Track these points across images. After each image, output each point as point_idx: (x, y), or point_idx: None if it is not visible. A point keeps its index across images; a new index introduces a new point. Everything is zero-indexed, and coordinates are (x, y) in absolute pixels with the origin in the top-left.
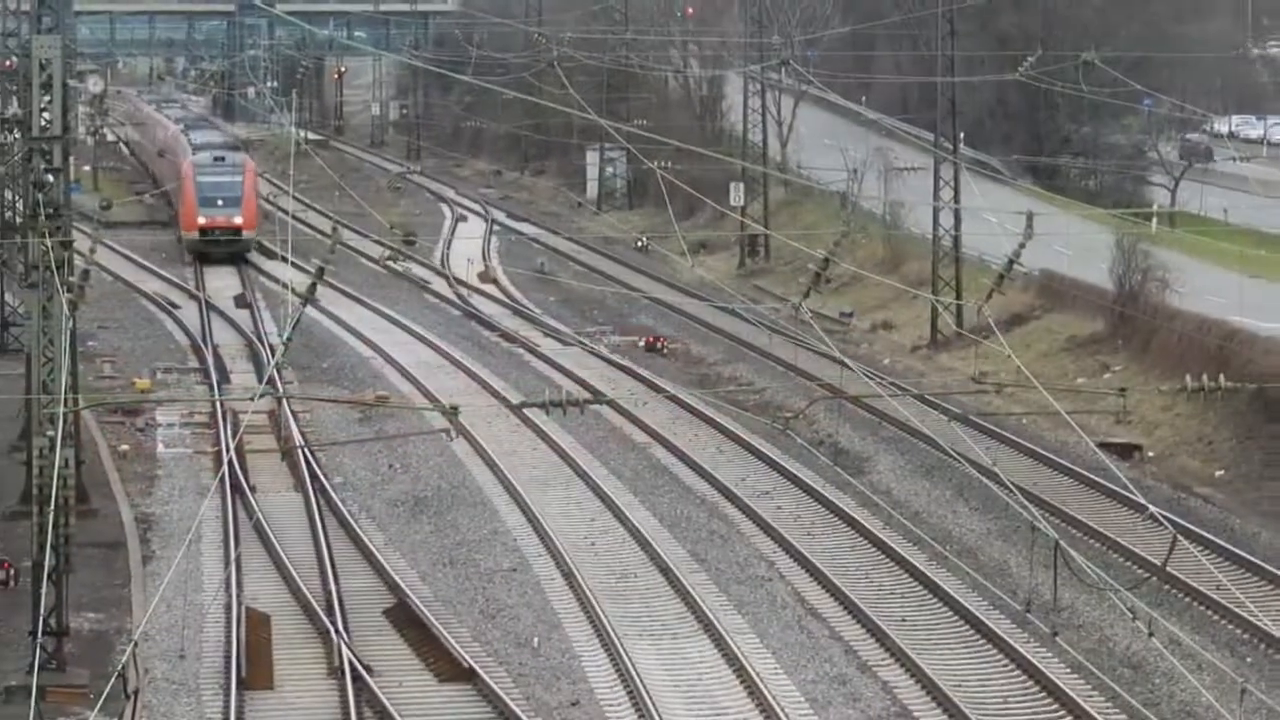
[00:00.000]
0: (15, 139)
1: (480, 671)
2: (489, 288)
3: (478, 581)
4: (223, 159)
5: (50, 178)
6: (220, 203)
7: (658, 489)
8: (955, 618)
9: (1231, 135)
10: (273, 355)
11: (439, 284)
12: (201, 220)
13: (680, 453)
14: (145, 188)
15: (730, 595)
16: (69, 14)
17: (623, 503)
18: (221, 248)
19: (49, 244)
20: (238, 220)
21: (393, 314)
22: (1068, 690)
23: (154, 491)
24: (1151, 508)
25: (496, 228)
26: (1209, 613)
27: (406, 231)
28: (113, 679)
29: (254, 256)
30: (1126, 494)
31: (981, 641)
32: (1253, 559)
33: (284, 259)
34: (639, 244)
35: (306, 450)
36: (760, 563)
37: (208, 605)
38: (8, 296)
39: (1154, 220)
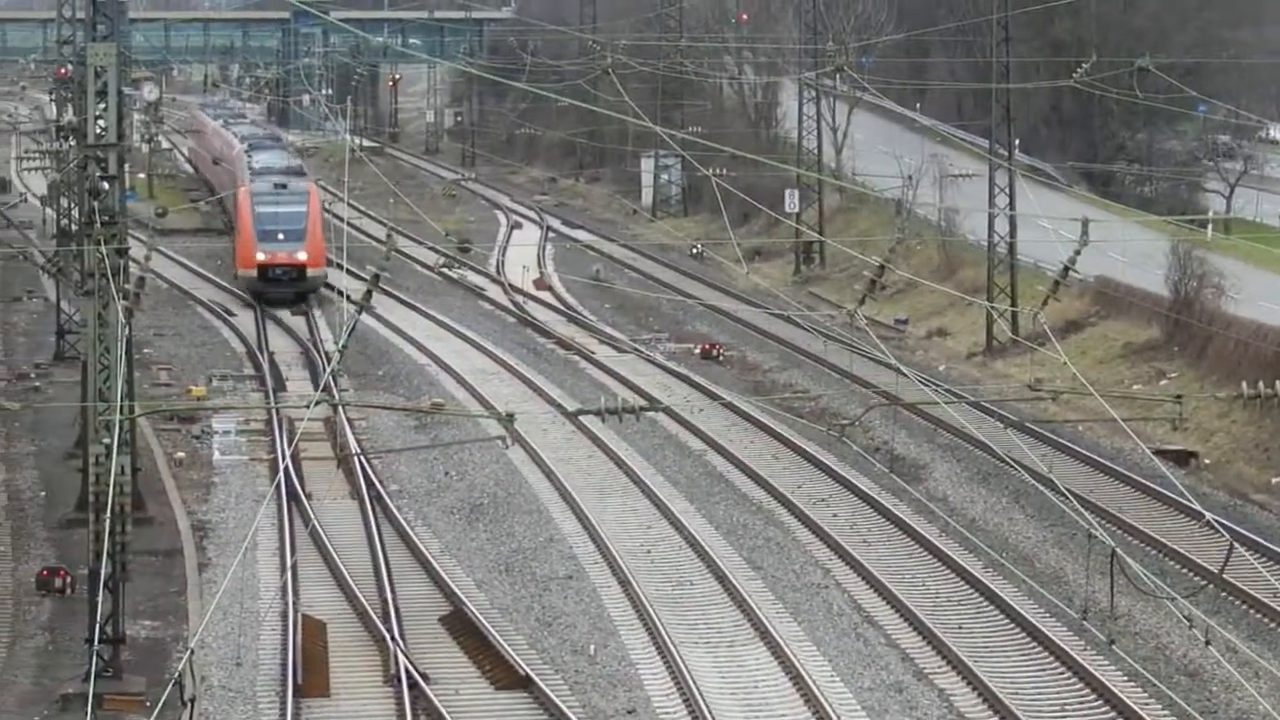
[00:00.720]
0: (71, 146)
1: (536, 679)
2: (544, 295)
3: (534, 589)
4: (284, 186)
5: (105, 185)
6: (281, 236)
7: (713, 496)
8: (1012, 625)
9: None
10: (328, 362)
11: (494, 291)
12: (260, 256)
13: (736, 460)
14: (200, 195)
15: (786, 603)
16: (124, 22)
17: (679, 510)
18: (283, 288)
19: (104, 251)
20: (301, 257)
21: (448, 321)
22: (1124, 698)
23: (210, 499)
24: (1208, 515)
25: (551, 234)
26: (1266, 620)
27: (462, 238)
28: (169, 687)
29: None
30: (1183, 501)
31: (1038, 649)
32: None
33: (339, 266)
34: (694, 251)
35: (362, 458)
36: (816, 570)
37: (264, 613)
38: (64, 304)
39: (1209, 227)
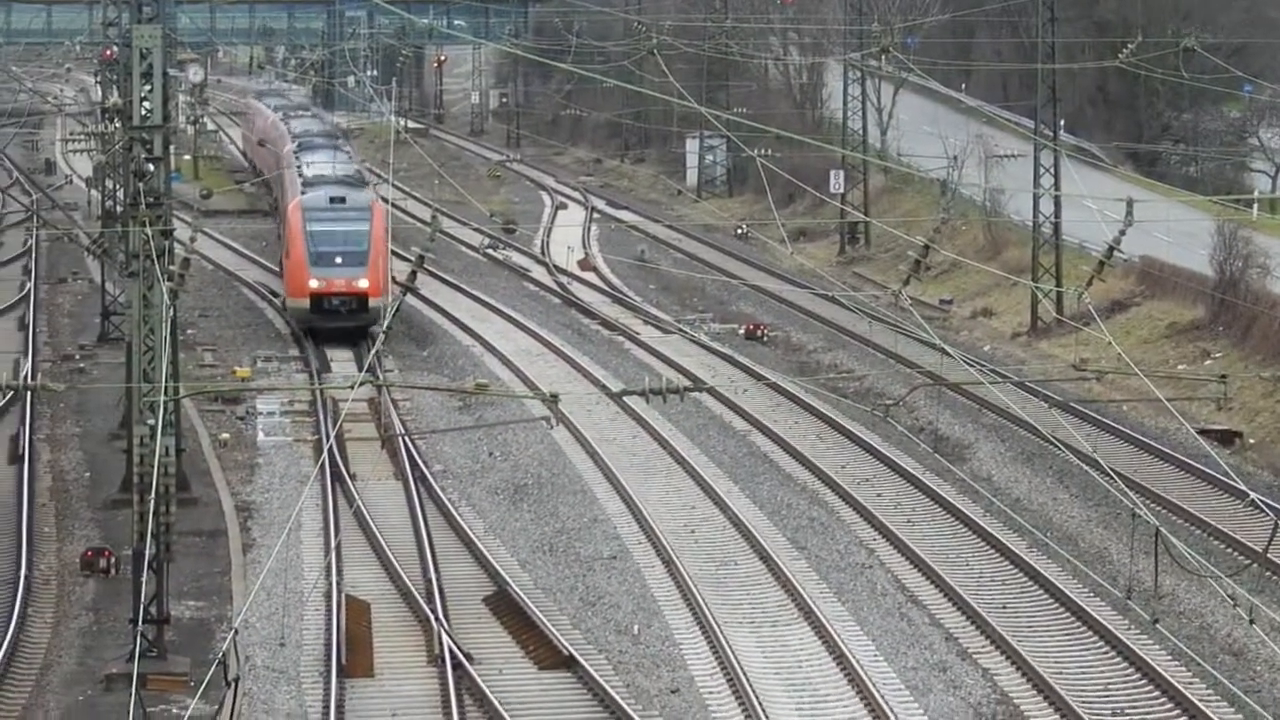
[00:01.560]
0: (116, 128)
1: (580, 659)
2: (589, 275)
3: (578, 569)
4: (343, 200)
5: (151, 167)
6: (339, 260)
7: (758, 476)
8: (1056, 605)
9: None
10: (373, 343)
11: (539, 272)
12: (313, 284)
13: (780, 440)
14: (245, 177)
15: (830, 583)
16: (169, 3)
17: (722, 490)
18: (340, 320)
19: (150, 233)
20: (362, 284)
21: (493, 302)
22: (1169, 677)
23: (254, 480)
24: (1252, 494)
25: (596, 215)
26: None
27: (506, 219)
28: (213, 667)
29: None
30: (1227, 481)
31: (1082, 628)
32: None
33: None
34: (739, 231)
35: (406, 438)
36: (860, 550)
37: (308, 593)
38: (109, 285)
39: (1254, 206)
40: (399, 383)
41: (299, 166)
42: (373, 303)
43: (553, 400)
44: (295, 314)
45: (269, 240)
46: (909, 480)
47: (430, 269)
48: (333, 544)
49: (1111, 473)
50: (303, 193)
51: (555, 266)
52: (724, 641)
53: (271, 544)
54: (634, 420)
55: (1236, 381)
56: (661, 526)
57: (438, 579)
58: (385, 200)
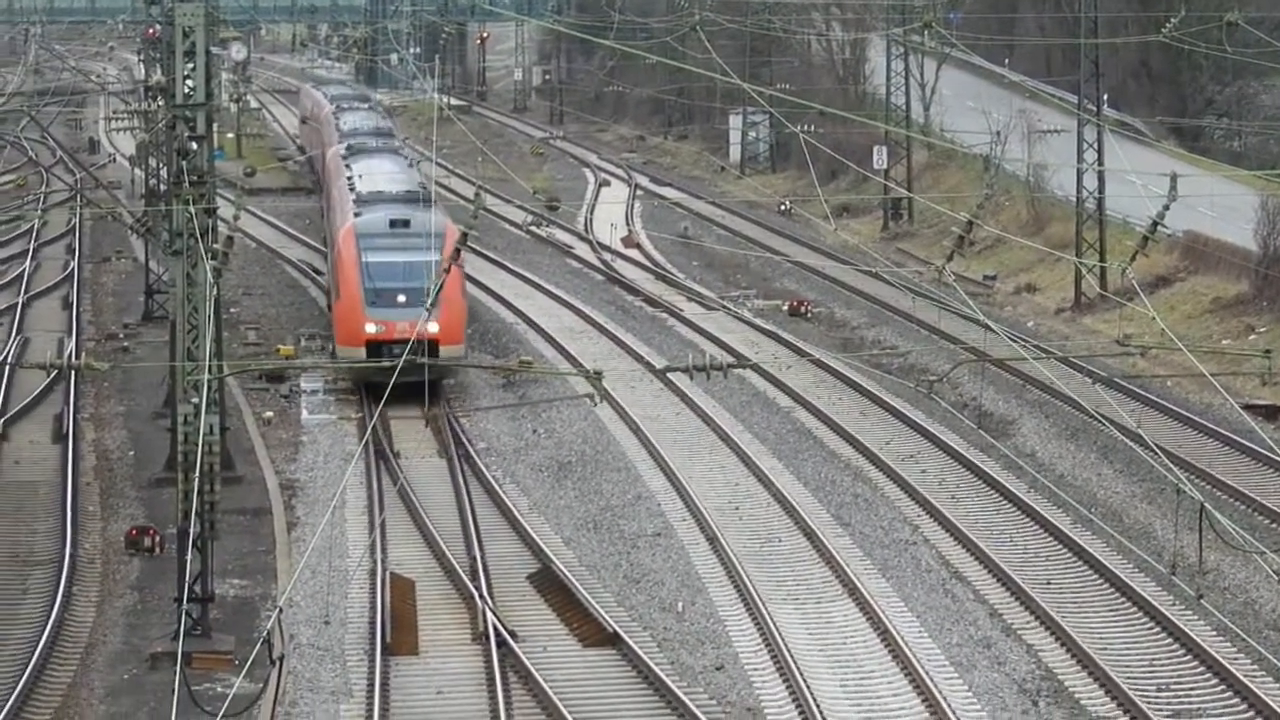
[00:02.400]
0: (159, 107)
1: (624, 636)
2: (632, 252)
3: (622, 546)
4: (406, 224)
5: (194, 145)
6: (402, 299)
7: (801, 453)
8: (1100, 581)
9: None
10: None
11: (582, 249)
12: (370, 329)
13: (824, 416)
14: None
15: (874, 559)
16: None
17: (766, 467)
18: (404, 375)
19: (193, 211)
20: (431, 329)
21: (536, 279)
22: (1213, 653)
23: (298, 458)
24: None
25: (639, 192)
26: None
27: (550, 197)
28: (258, 645)
29: None
30: (1272, 456)
31: (1127, 604)
32: None
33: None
34: (782, 208)
35: (450, 416)
36: (904, 526)
37: (352, 571)
38: (153, 264)
39: None
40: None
41: (350, 178)
42: (445, 351)
43: (596, 377)
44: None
45: (312, 218)
46: (953, 456)
47: (474, 246)
48: (377, 522)
49: (1156, 448)
50: (356, 214)
51: (599, 243)
52: (768, 618)
53: (316, 522)
54: (678, 397)
55: None
56: (705, 503)
57: (482, 556)
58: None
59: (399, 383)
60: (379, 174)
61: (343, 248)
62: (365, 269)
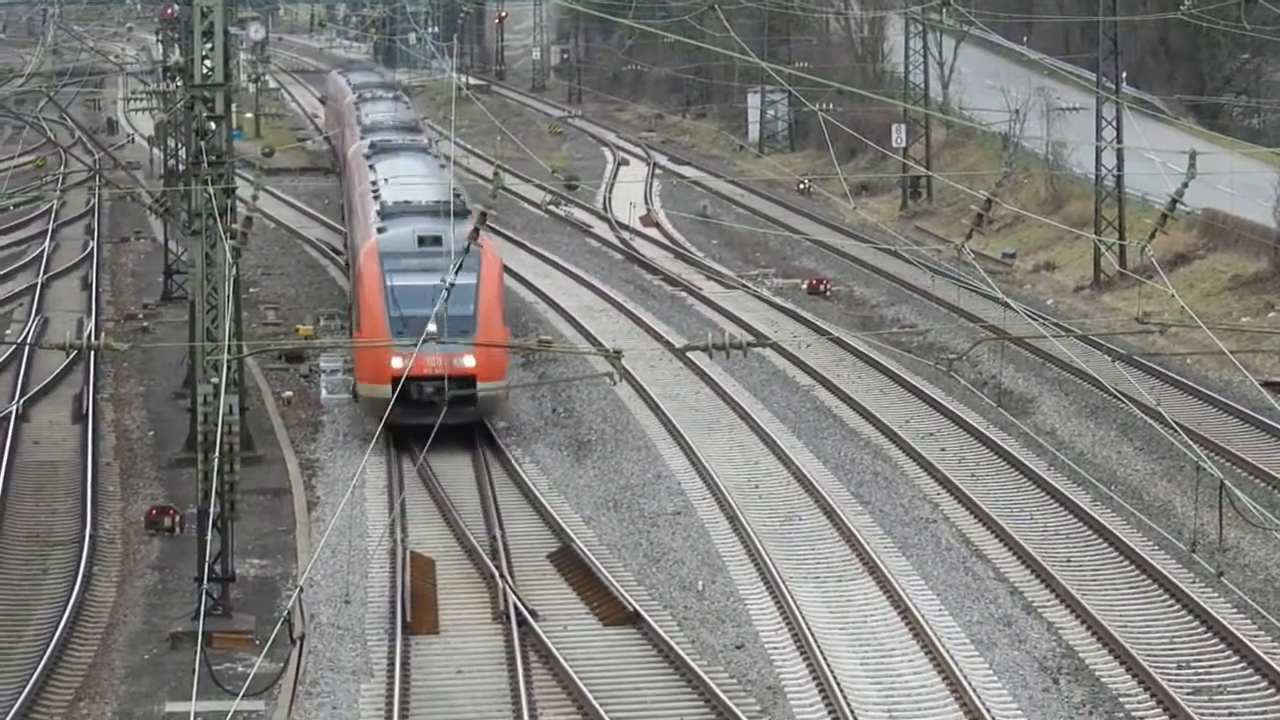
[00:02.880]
0: (178, 87)
1: (645, 615)
2: (651, 231)
3: (642, 525)
4: (437, 240)
5: (212, 125)
6: (432, 328)
7: (821, 431)
8: (1120, 558)
9: None
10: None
11: (601, 228)
12: (397, 363)
13: (843, 395)
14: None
15: (894, 537)
16: None
17: (786, 445)
18: (436, 415)
19: (212, 191)
20: (468, 363)
21: (555, 258)
22: (1234, 630)
23: (318, 438)
24: None
25: (658, 171)
26: None
27: (569, 176)
28: (278, 625)
29: None
30: None
31: (1147, 582)
32: None
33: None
34: (801, 186)
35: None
36: (924, 505)
37: (372, 550)
38: (172, 244)
39: None
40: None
41: (374, 185)
42: (484, 389)
43: (616, 356)
44: (371, 406)
45: (331, 198)
46: (973, 434)
47: (493, 226)
48: (397, 501)
49: (1175, 426)
50: (380, 229)
51: (617, 222)
52: (788, 596)
53: (336, 501)
54: (697, 376)
55: None
56: (725, 482)
57: (502, 536)
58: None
59: (430, 425)
60: (406, 179)
61: (364, 269)
62: (391, 295)
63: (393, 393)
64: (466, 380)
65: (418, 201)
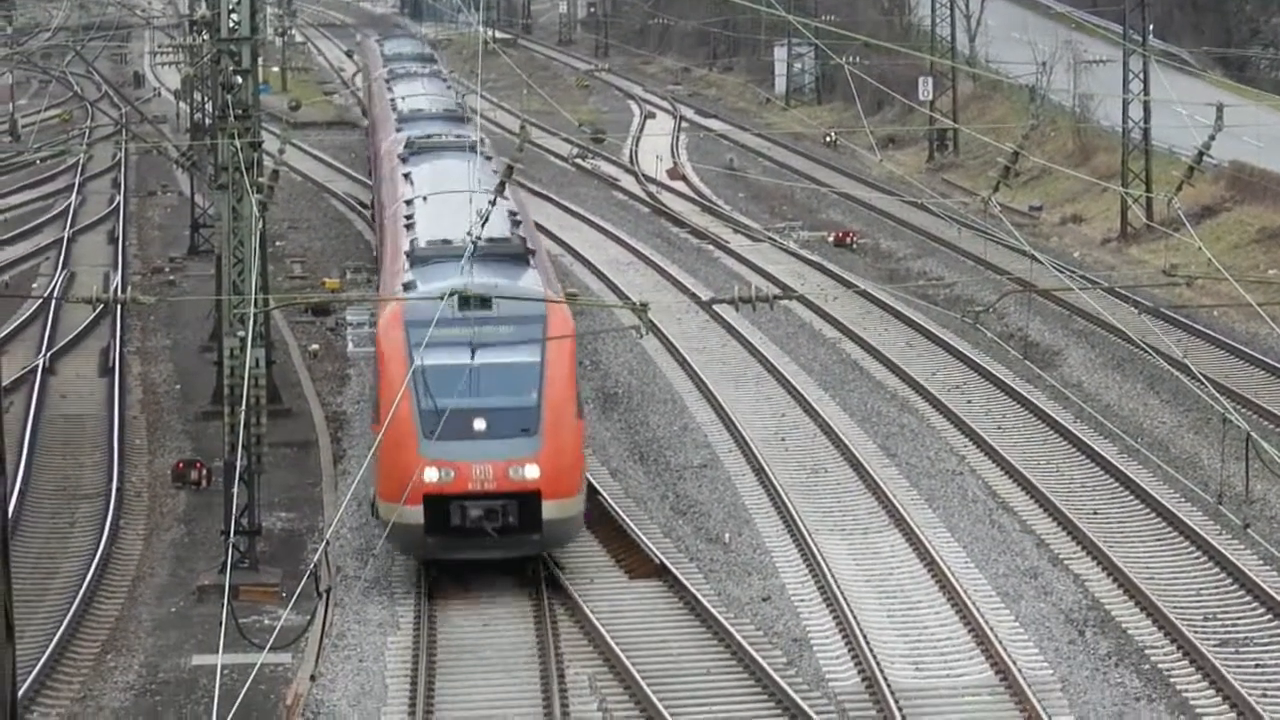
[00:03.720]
0: (204, 41)
1: (671, 567)
2: (678, 184)
3: (668, 478)
4: (485, 303)
5: (239, 79)
6: (480, 425)
7: (848, 384)
8: (1147, 510)
9: None
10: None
11: (628, 181)
12: (431, 476)
13: (870, 347)
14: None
15: (921, 489)
16: None
17: (813, 398)
18: (485, 548)
19: (238, 145)
20: (529, 475)
21: (582, 211)
22: (1260, 582)
23: (345, 390)
24: None
25: (685, 124)
26: None
27: (595, 129)
28: (305, 578)
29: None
30: None
31: (1173, 534)
32: None
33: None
34: (828, 139)
35: None
36: (951, 457)
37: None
38: (198, 198)
39: None
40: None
41: (407, 207)
42: (551, 510)
43: (643, 309)
44: (397, 534)
45: (357, 151)
46: (999, 387)
47: (519, 179)
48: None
49: (1202, 378)
50: (408, 281)
51: (644, 176)
52: (815, 549)
53: (362, 454)
54: (724, 329)
55: None
56: (752, 434)
57: None
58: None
59: (475, 552)
60: (447, 199)
61: (385, 343)
62: (422, 381)
63: (426, 517)
64: (528, 499)
65: (459, 241)
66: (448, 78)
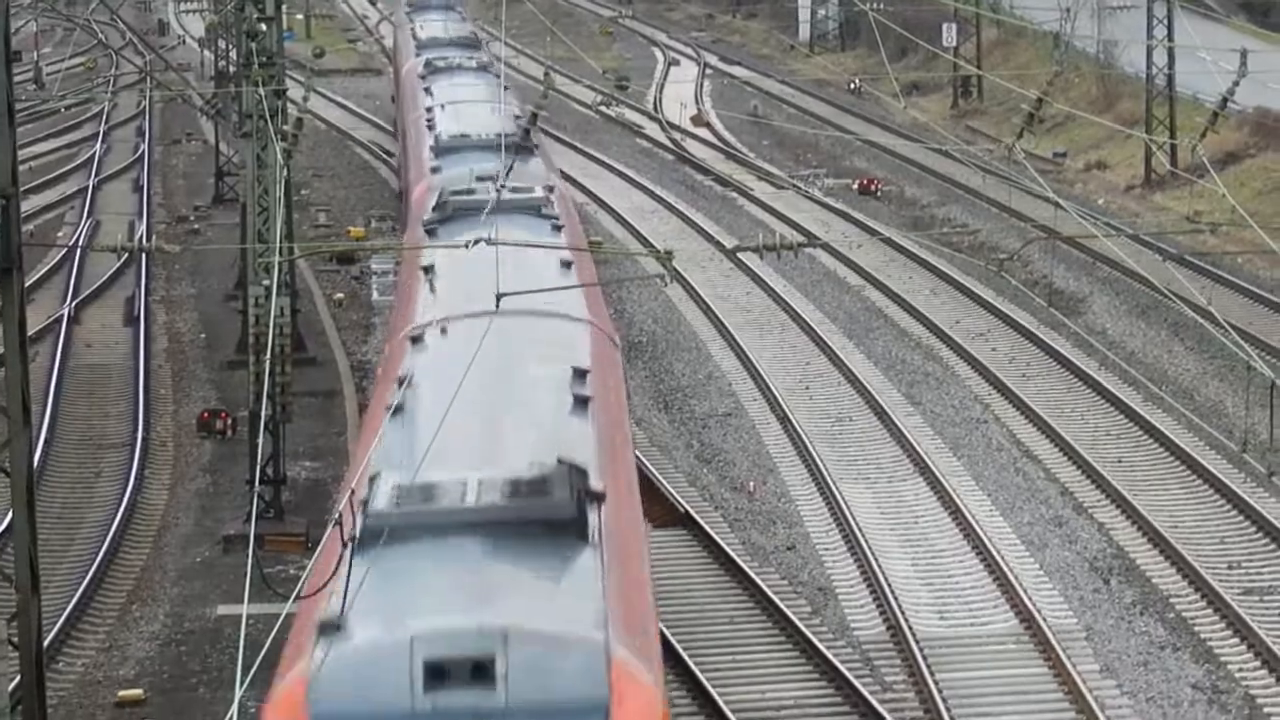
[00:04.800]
0: None
1: (696, 516)
2: (702, 131)
3: (693, 426)
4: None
5: (263, 27)
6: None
7: (872, 332)
8: (1171, 458)
9: None
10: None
11: (652, 128)
12: None
13: (894, 295)
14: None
15: (945, 438)
16: None
17: (837, 346)
18: None
19: (263, 93)
20: None
21: (606, 159)
22: None
23: (370, 339)
24: None
25: (709, 71)
26: None
27: (619, 76)
28: (330, 527)
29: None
30: None
31: (1198, 482)
32: None
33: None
34: (851, 86)
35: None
36: (975, 405)
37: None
38: (223, 146)
39: None
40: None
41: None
42: None
43: (667, 257)
44: None
45: (382, 99)
46: (1023, 334)
47: (544, 127)
48: None
49: (1226, 325)
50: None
51: (668, 123)
52: (839, 497)
53: None
54: (748, 277)
55: None
56: (776, 383)
57: None
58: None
59: None
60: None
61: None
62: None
63: None
64: None
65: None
66: (501, 81)
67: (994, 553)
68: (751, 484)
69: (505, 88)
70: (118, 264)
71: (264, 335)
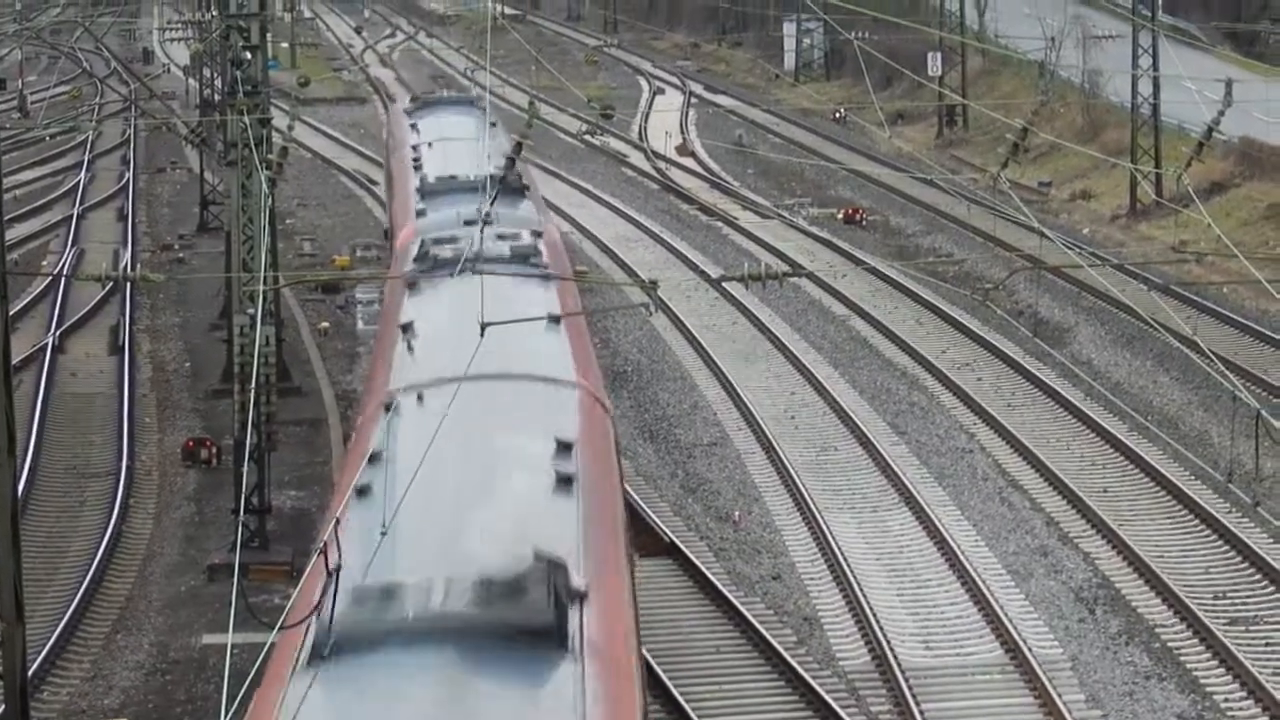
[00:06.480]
0: (213, 16)
1: (681, 546)
2: (687, 160)
3: (678, 456)
4: None
5: (248, 55)
6: None
7: (857, 361)
8: (1157, 488)
9: None
10: None
11: (637, 157)
12: None
13: (879, 325)
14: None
15: (931, 467)
16: None
17: (822, 375)
18: None
19: (247, 121)
20: None
21: (590, 188)
22: (1270, 560)
23: (355, 368)
24: None
25: (694, 100)
26: None
27: (604, 105)
28: (314, 557)
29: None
30: None
31: (1183, 512)
32: None
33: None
34: (837, 115)
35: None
36: (960, 434)
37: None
38: (207, 175)
39: None
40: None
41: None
42: None
43: (652, 286)
44: None
45: (367, 127)
46: (1009, 364)
47: (528, 155)
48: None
49: (1212, 355)
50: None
51: (653, 152)
52: (824, 527)
53: None
54: (733, 306)
55: None
56: (761, 412)
57: None
58: None
59: None
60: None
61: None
62: None
63: None
64: None
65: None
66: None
67: (979, 582)
68: (737, 513)
69: (493, 123)
70: (102, 293)
71: (249, 364)
